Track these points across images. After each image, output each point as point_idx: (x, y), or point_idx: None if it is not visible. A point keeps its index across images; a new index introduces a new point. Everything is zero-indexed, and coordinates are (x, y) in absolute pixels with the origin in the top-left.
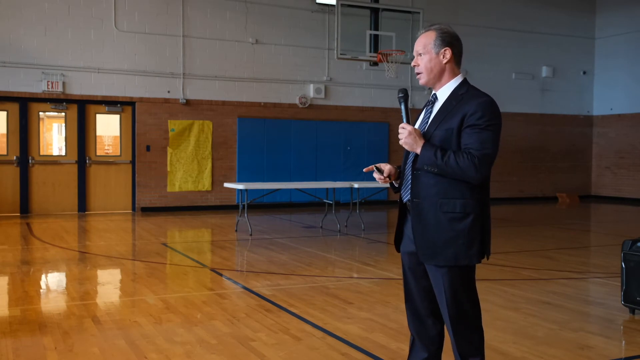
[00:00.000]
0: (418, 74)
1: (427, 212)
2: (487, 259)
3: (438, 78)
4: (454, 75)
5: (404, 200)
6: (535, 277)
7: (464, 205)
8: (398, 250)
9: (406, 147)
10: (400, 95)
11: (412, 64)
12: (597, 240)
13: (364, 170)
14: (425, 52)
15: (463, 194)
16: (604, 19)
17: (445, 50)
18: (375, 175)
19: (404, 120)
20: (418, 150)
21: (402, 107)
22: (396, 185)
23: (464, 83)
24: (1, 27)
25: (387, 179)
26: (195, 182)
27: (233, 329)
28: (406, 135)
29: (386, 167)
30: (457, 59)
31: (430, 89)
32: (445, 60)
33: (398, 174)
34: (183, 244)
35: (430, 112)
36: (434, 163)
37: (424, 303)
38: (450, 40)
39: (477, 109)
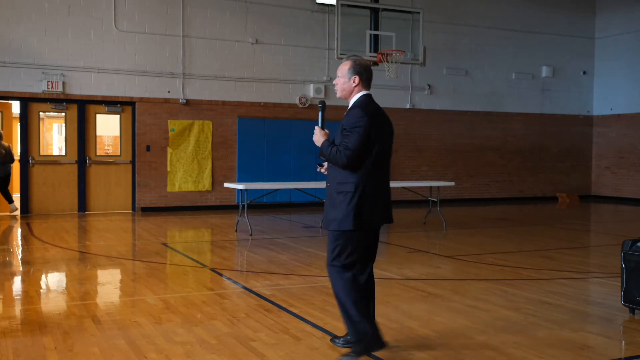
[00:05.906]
0: (336, 90)
1: (330, 192)
2: (366, 230)
3: (348, 95)
4: (358, 93)
5: None
6: (535, 277)
7: (346, 186)
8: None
9: (315, 143)
10: (319, 105)
11: (334, 82)
12: (597, 240)
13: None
14: (342, 76)
15: (346, 179)
16: (604, 19)
17: (354, 77)
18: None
19: (319, 124)
20: (319, 145)
21: (320, 114)
22: None
23: (359, 99)
24: (1, 27)
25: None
26: (195, 182)
27: (233, 329)
28: (314, 135)
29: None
30: (364, 83)
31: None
32: (354, 84)
33: None
34: (183, 244)
35: None
36: (322, 153)
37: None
38: (359, 70)
39: (346, 118)
